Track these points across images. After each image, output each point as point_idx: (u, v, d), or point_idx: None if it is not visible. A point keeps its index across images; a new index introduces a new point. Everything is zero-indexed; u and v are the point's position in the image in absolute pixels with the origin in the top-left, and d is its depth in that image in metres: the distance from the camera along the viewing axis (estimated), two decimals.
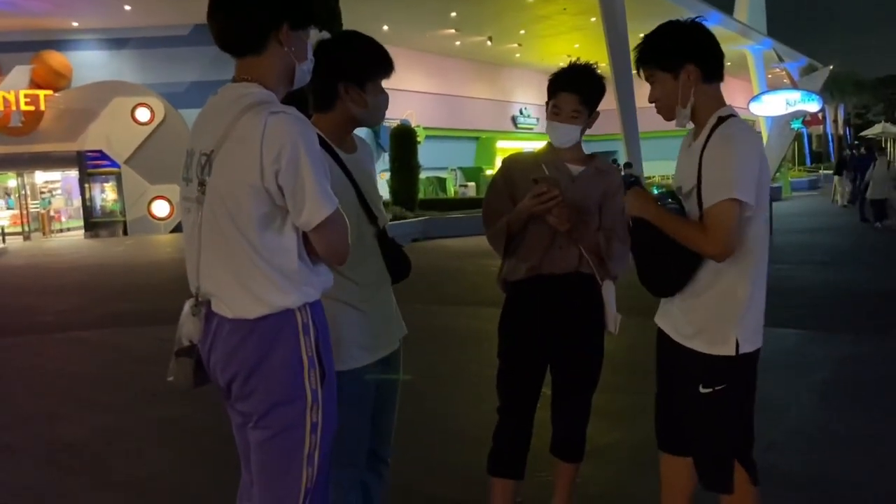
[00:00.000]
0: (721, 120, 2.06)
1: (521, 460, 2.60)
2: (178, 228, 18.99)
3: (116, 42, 20.31)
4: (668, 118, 2.16)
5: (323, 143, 2.05)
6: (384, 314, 2.21)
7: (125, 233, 19.85)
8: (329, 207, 1.64)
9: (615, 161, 13.51)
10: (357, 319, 2.09)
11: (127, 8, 18.64)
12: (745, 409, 2.17)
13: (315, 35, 2.10)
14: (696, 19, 2.13)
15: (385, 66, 2.15)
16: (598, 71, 2.55)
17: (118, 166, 19.76)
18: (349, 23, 15.16)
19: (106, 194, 20.35)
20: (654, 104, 2.16)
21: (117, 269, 12.49)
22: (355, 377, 2.07)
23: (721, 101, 2.12)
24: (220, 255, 1.70)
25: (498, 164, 31.60)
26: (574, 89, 2.46)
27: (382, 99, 2.17)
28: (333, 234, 1.69)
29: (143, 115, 19.37)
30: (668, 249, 2.07)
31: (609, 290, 2.53)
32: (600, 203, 2.52)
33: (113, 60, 20.36)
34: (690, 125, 2.16)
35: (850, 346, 5.54)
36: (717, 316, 2.06)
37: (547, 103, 2.55)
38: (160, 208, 19.63)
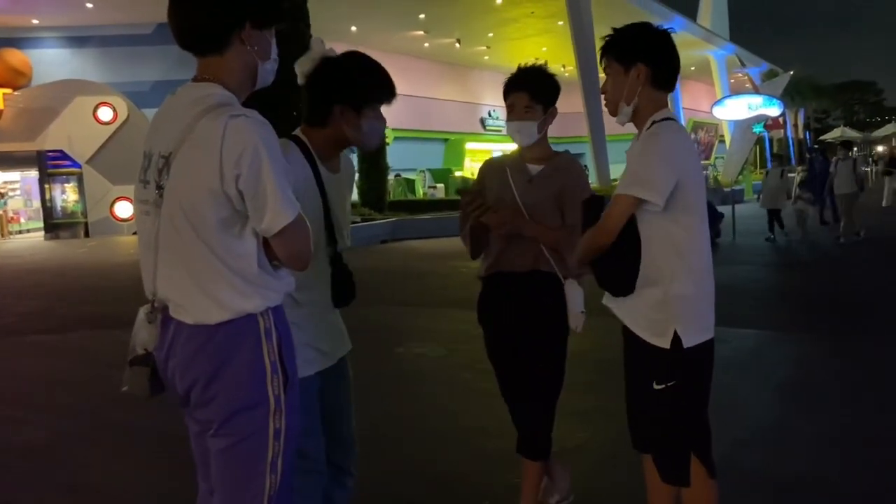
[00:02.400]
0: (654, 123, 2.13)
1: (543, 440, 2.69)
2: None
3: (78, 40, 19.92)
4: (613, 113, 2.23)
5: (308, 155, 2.06)
6: (325, 330, 2.17)
7: (86, 234, 19.42)
8: (291, 213, 1.62)
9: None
10: (296, 331, 2.02)
11: (89, 5, 18.30)
12: (699, 403, 2.23)
13: (320, 49, 2.12)
14: (666, 28, 2.20)
15: (385, 93, 2.15)
16: (548, 70, 2.65)
17: (79, 166, 19.33)
18: (317, 23, 15.15)
19: (67, 195, 19.88)
20: (603, 96, 2.25)
21: (79, 271, 12.23)
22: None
23: (662, 108, 2.17)
24: (180, 259, 1.65)
25: (467, 165, 31.86)
26: (522, 87, 2.57)
27: (378, 125, 2.16)
28: (295, 240, 1.66)
29: (105, 114, 19.00)
30: (619, 249, 2.14)
31: (573, 289, 2.56)
32: (561, 200, 2.57)
33: (74, 58, 19.96)
34: (632, 126, 2.22)
35: (808, 347, 5.66)
36: (657, 310, 2.13)
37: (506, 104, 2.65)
38: (123, 209, 19.25)
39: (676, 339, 2.11)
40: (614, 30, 2.22)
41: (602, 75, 2.32)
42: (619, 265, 2.18)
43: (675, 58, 2.18)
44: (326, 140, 2.11)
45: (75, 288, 10.27)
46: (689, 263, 2.13)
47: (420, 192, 25.52)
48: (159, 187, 1.65)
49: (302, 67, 2.13)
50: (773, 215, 12.72)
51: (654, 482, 2.34)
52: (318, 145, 2.10)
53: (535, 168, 2.61)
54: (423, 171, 27.55)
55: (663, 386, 2.14)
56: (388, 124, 2.26)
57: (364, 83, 2.10)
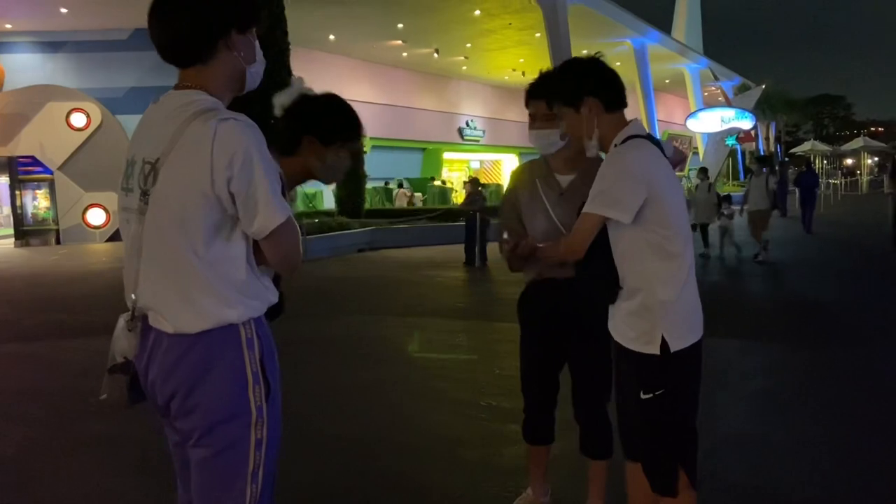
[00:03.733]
0: (616, 146, 2.20)
1: (550, 428, 2.85)
2: (114, 237, 18.42)
3: (52, 45, 19.62)
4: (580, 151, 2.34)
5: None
6: None
7: (58, 241, 19.10)
8: (283, 214, 1.62)
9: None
10: None
11: (63, 10, 18.05)
12: (688, 410, 2.25)
13: (299, 87, 2.15)
14: (596, 54, 2.29)
15: (354, 136, 2.18)
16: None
17: (51, 173, 19.03)
18: (295, 31, 15.14)
19: (38, 202, 19.52)
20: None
21: (50, 279, 12.01)
22: None
23: (623, 127, 2.23)
24: (163, 267, 1.63)
25: (444, 174, 31.93)
26: (541, 95, 2.56)
27: (342, 163, 2.19)
28: (286, 242, 1.66)
29: (78, 120, 18.74)
30: (597, 260, 2.22)
31: None
32: None
33: (47, 64, 19.67)
34: (602, 154, 2.29)
35: (785, 356, 5.74)
36: (643, 317, 2.18)
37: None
38: (95, 216, 18.98)
39: (665, 345, 2.15)
40: (546, 78, 2.36)
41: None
42: (596, 276, 2.26)
43: (615, 78, 2.25)
44: (292, 169, 2.13)
45: (45, 296, 10.09)
46: (671, 269, 2.17)
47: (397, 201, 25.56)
48: (144, 194, 1.63)
49: (279, 100, 2.18)
50: (702, 230, 12.48)
51: (636, 491, 2.35)
52: (285, 172, 2.13)
53: (564, 179, 2.63)
54: (402, 180, 27.58)
55: (651, 395, 2.18)
56: (366, 133, 2.28)
57: (337, 121, 2.14)
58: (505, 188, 2.95)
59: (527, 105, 2.64)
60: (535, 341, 2.80)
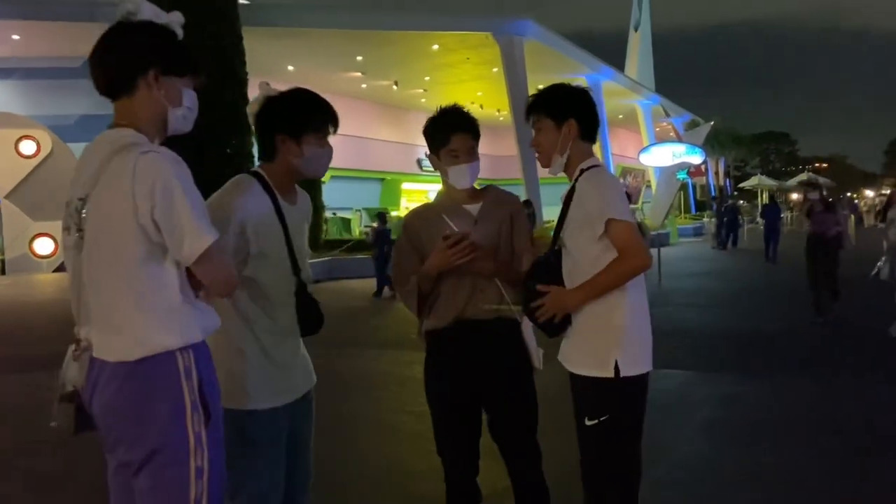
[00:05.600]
0: (583, 171, 2.31)
1: (475, 490, 2.64)
2: (61, 268, 17.86)
3: (2, 72, 19.19)
4: (545, 165, 2.39)
5: (268, 189, 2.13)
6: (288, 362, 2.19)
7: (3, 272, 18.43)
8: (209, 237, 1.66)
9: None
10: (258, 362, 2.09)
11: (15, 37, 17.74)
12: (631, 441, 2.27)
13: (265, 91, 2.20)
14: (585, 88, 2.44)
15: (321, 120, 2.18)
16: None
17: None
18: (254, 61, 15.13)
19: None
20: (535, 150, 2.41)
21: None
22: (256, 418, 2.06)
23: (590, 157, 2.36)
24: (100, 298, 1.69)
25: (403, 205, 31.96)
26: (465, 128, 2.51)
27: (321, 152, 2.20)
28: (216, 265, 1.71)
29: (27, 147, 18.21)
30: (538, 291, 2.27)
31: (528, 326, 2.54)
32: (510, 229, 2.57)
33: None
34: (563, 175, 2.39)
35: (731, 386, 5.84)
36: (598, 342, 2.23)
37: (434, 155, 2.54)
38: (43, 246, 18.40)
39: (616, 369, 2.18)
40: (541, 89, 2.41)
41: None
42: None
43: (597, 114, 2.41)
44: (279, 172, 2.17)
45: None
46: (629, 296, 2.23)
47: (356, 231, 25.48)
48: (80, 230, 1.71)
49: (251, 109, 2.22)
50: None
51: None
52: (274, 178, 2.16)
53: (473, 207, 2.55)
54: (360, 210, 27.53)
55: (595, 421, 2.21)
56: (337, 119, 2.25)
57: (299, 111, 2.16)
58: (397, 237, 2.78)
59: (444, 141, 2.49)
60: (456, 403, 2.55)
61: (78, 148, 17.94)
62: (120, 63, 1.75)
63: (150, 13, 1.79)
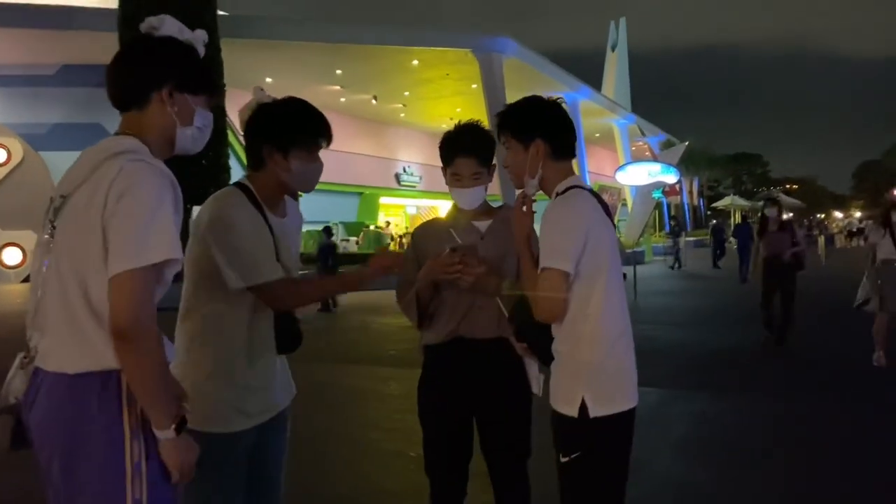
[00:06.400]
0: (557, 195, 2.12)
1: None
2: (30, 278, 17.45)
3: None
4: (518, 185, 2.22)
5: (254, 200, 2.05)
6: (265, 379, 2.10)
7: None
8: (131, 263, 1.49)
9: None
10: (233, 381, 2.00)
11: None
12: (611, 480, 2.11)
13: (258, 97, 2.13)
14: (557, 99, 2.22)
15: (312, 135, 2.09)
16: (483, 126, 2.54)
17: None
18: (231, 73, 15.04)
19: None
20: (507, 170, 2.23)
21: None
22: (228, 441, 1.98)
23: (569, 176, 2.16)
24: (55, 302, 1.59)
25: (380, 219, 31.90)
26: (470, 152, 2.44)
27: (311, 167, 2.11)
28: (127, 294, 1.49)
29: None
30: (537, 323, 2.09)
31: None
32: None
33: None
34: (541, 195, 2.21)
35: (705, 404, 5.87)
36: (566, 376, 2.07)
37: (443, 169, 2.50)
38: (11, 256, 18.06)
39: (584, 408, 2.01)
40: (508, 106, 2.24)
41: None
42: (544, 332, 2.12)
43: (570, 128, 2.19)
44: (266, 184, 2.09)
45: None
46: (599, 329, 2.04)
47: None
48: (52, 226, 1.64)
49: (242, 115, 2.15)
50: None
51: None
52: (261, 189, 2.09)
53: (482, 224, 2.49)
54: (337, 224, 27.44)
55: (568, 458, 2.05)
56: (330, 135, 2.17)
57: (289, 124, 2.08)
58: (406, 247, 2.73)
59: (448, 163, 2.45)
60: (448, 424, 2.49)
61: (51, 156, 17.83)
62: (136, 75, 1.72)
63: (174, 29, 1.76)
